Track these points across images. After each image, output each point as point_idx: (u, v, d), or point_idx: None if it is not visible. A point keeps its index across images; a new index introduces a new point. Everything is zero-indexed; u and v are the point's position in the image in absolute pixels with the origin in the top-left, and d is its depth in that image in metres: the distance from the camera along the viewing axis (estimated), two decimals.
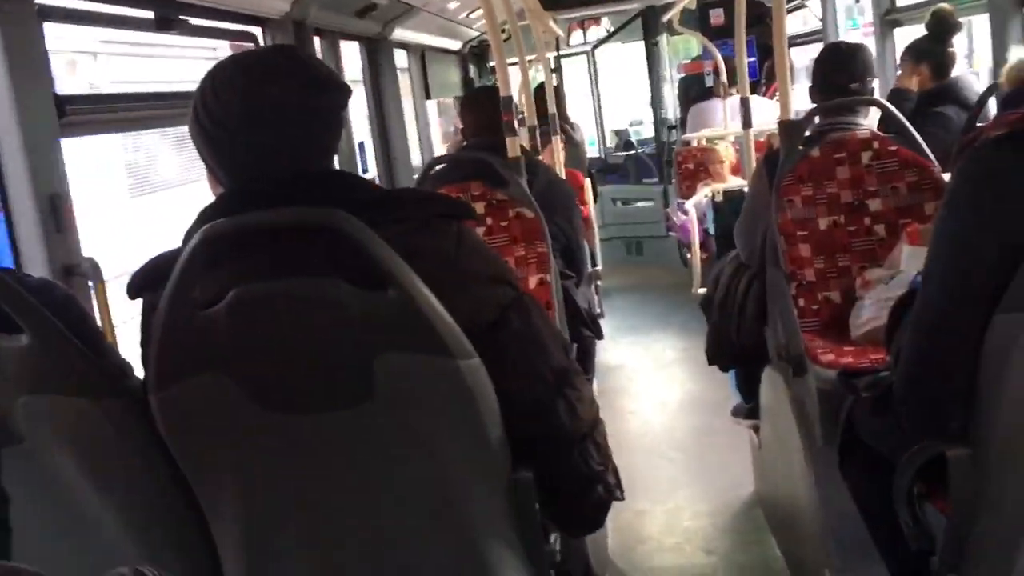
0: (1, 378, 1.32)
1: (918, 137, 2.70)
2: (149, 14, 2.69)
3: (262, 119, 1.29)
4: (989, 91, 3.12)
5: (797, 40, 6.50)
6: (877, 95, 3.13)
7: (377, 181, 4.96)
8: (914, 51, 3.54)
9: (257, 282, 1.24)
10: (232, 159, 1.33)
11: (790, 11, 6.03)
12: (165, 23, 2.74)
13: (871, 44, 4.50)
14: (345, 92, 1.37)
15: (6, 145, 2.06)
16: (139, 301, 1.39)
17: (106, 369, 1.41)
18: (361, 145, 4.54)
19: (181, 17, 2.82)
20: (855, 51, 2.86)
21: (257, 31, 3.45)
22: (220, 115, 1.30)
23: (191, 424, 1.32)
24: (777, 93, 3.61)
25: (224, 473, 1.37)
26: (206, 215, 1.29)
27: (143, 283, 1.35)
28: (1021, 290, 1.14)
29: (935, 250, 1.30)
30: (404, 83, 5.76)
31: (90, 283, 2.15)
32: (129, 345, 1.52)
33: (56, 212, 2.11)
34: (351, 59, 4.92)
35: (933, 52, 3.47)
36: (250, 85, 1.30)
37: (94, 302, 2.13)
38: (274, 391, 1.29)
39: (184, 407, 1.31)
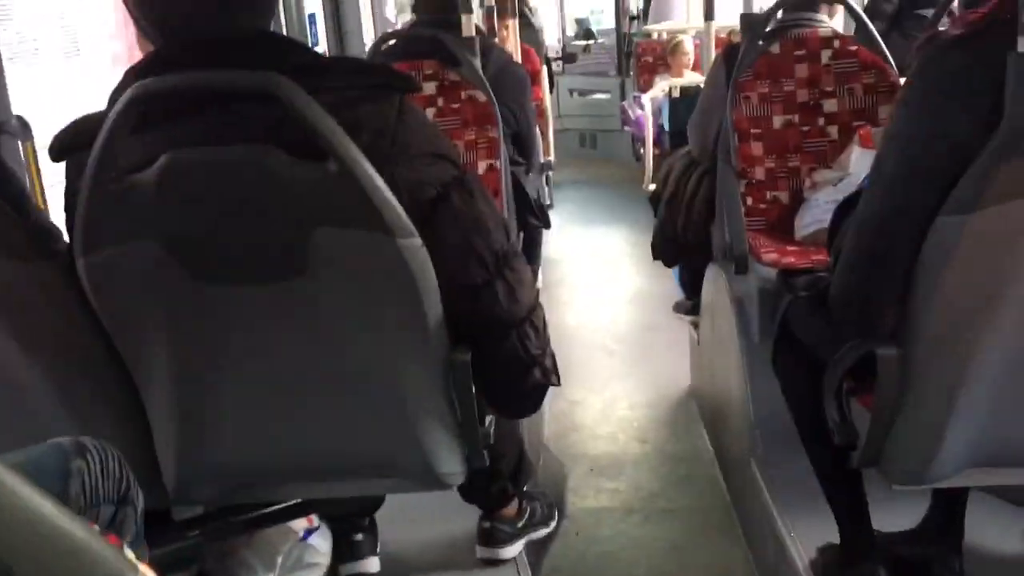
0: None
1: (879, 39, 2.67)
2: None
3: None
4: None
5: None
6: None
7: (327, 55, 4.81)
8: None
9: (189, 147, 1.19)
10: (163, 14, 1.26)
11: None
12: None
13: None
14: None
15: None
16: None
17: (33, 230, 1.36)
18: (312, 17, 4.36)
19: None
20: None
21: None
22: None
23: (119, 289, 1.29)
24: None
25: (153, 340, 1.34)
26: (134, 74, 1.22)
27: (68, 144, 1.29)
28: (966, 193, 1.14)
29: (885, 149, 1.29)
30: None
31: (19, 142, 2.05)
32: (57, 209, 1.47)
33: None
34: None
35: None
36: None
37: (23, 162, 2.04)
38: (205, 260, 1.25)
39: (112, 272, 1.27)
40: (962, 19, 1.20)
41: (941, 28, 2.23)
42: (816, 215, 2.46)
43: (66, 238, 1.37)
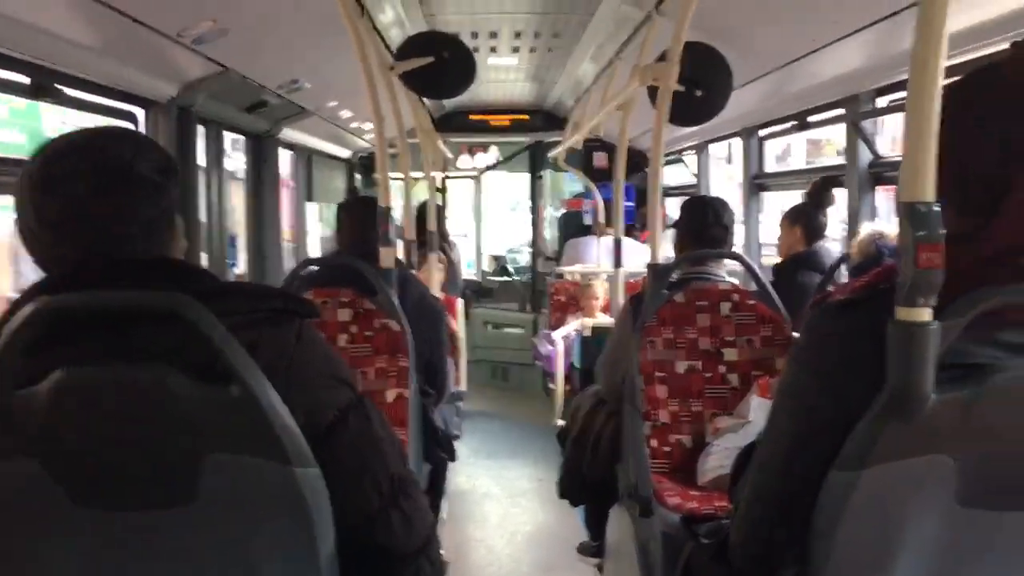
0: None
1: (774, 294, 2.83)
2: (24, 79, 2.59)
3: (67, 218, 1.23)
4: (840, 260, 3.34)
5: (672, 191, 6.84)
6: (741, 251, 3.30)
7: (246, 278, 4.86)
8: (793, 213, 3.76)
9: (84, 366, 1.16)
10: (60, 251, 1.25)
11: (667, 164, 6.36)
12: (40, 90, 2.65)
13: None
14: (165, 180, 1.29)
15: None
16: None
17: None
18: (232, 239, 4.45)
19: (57, 86, 2.73)
20: (725, 206, 3.00)
21: (139, 112, 3.38)
22: (30, 217, 1.24)
23: None
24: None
25: (23, 570, 1.24)
26: (31, 294, 1.20)
27: None
28: (855, 450, 1.17)
29: (777, 404, 1.34)
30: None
31: None
32: None
33: None
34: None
35: (809, 215, 3.70)
36: (47, 184, 1.23)
37: None
38: (89, 484, 1.19)
39: None
40: (848, 286, 1.28)
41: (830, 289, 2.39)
42: (718, 460, 2.50)
43: None
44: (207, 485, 1.19)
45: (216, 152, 4.09)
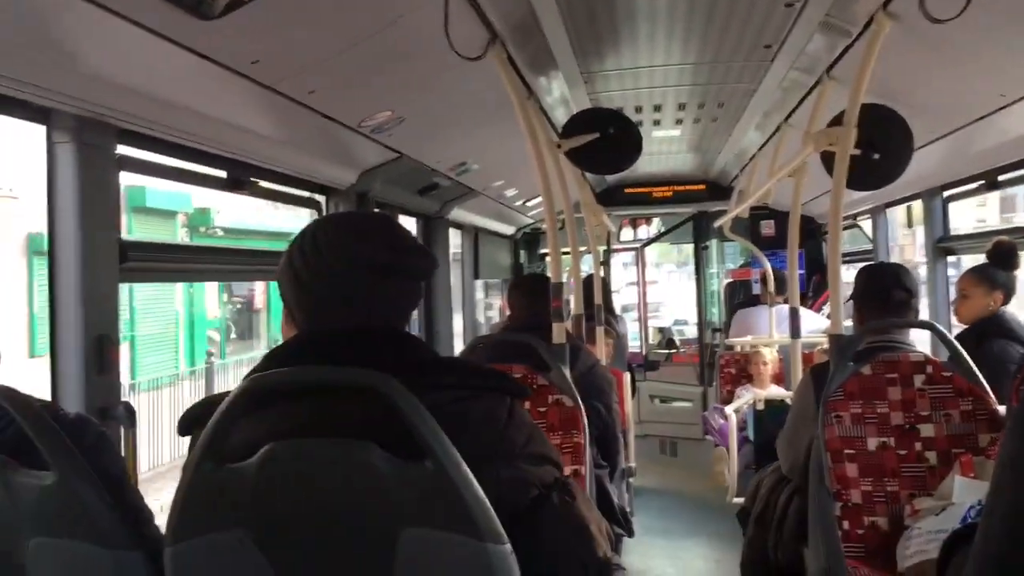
0: (15, 513, 1.28)
1: (973, 365, 2.64)
2: (222, 173, 2.80)
3: (350, 273, 1.34)
4: None
5: (847, 258, 6.57)
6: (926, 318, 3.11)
7: None
8: (980, 274, 3.47)
9: (294, 437, 1.21)
10: (314, 304, 1.36)
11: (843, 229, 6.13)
12: (236, 184, 2.85)
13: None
14: (430, 260, 1.42)
15: (63, 283, 2.10)
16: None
17: (125, 518, 1.36)
18: None
19: (252, 179, 2.93)
20: (906, 270, 2.85)
21: (322, 199, 3.58)
22: (315, 263, 1.35)
23: None
24: (823, 306, 3.61)
25: None
26: (272, 358, 1.31)
27: (195, 419, 1.34)
28: None
29: (998, 480, 1.23)
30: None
31: (122, 428, 2.13)
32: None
33: (101, 353, 2.13)
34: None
35: (998, 277, 3.42)
36: (346, 240, 1.36)
37: (123, 446, 2.11)
38: (292, 555, 1.22)
39: (198, 564, 1.25)
40: None
41: None
42: (919, 544, 2.32)
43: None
44: (402, 558, 1.20)
45: None
